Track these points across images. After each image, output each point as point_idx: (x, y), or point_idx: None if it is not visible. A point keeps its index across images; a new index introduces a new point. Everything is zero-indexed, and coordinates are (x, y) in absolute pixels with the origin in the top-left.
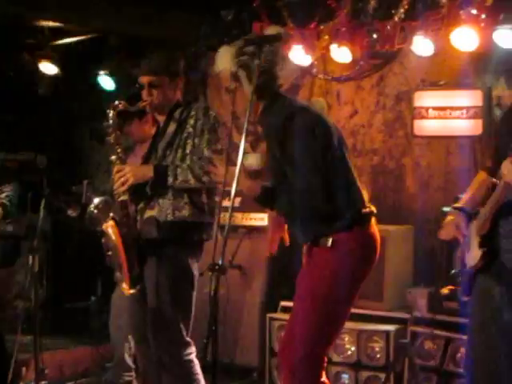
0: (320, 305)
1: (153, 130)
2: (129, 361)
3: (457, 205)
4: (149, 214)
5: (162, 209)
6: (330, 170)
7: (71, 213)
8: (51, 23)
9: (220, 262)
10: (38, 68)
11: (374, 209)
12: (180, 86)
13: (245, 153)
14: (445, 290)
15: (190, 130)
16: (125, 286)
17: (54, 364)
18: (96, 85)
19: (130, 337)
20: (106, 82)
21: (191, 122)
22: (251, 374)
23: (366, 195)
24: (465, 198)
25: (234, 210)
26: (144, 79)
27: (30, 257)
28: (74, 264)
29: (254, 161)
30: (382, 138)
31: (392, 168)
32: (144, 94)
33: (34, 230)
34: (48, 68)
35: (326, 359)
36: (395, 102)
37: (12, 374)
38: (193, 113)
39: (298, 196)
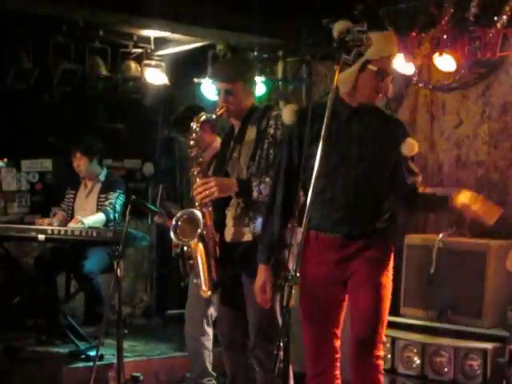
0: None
1: (212, 138)
2: (210, 368)
3: None
4: (240, 225)
5: (256, 221)
6: None
7: (157, 219)
8: (157, 32)
9: (293, 273)
10: (143, 77)
11: None
12: (253, 90)
13: None
14: None
15: (271, 139)
16: (204, 288)
17: (151, 370)
18: (199, 94)
19: (208, 343)
20: (209, 91)
21: (271, 131)
22: None
23: None
24: None
25: None
26: (220, 85)
27: (115, 262)
28: (178, 271)
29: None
30: (487, 150)
31: (496, 180)
32: (219, 100)
33: (132, 237)
34: (154, 77)
35: None
36: (501, 112)
37: (94, 378)
38: (271, 122)
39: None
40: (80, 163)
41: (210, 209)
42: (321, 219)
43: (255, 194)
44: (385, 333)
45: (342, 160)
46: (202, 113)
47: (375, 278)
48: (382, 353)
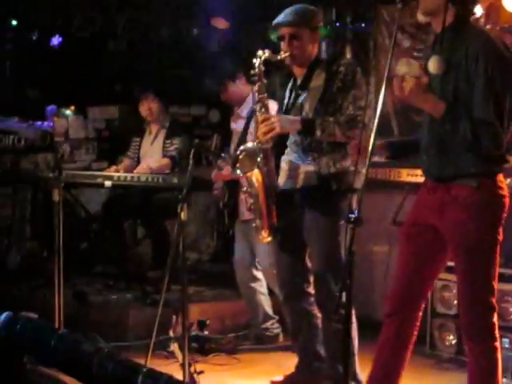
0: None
1: (247, 90)
2: (270, 312)
3: None
4: (305, 168)
5: (321, 162)
6: None
7: (220, 164)
8: None
9: (356, 214)
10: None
11: None
12: (318, 38)
13: None
14: None
15: (340, 84)
16: (263, 234)
17: (217, 315)
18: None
19: (262, 289)
20: (272, 36)
21: (340, 76)
22: None
23: None
24: None
25: (401, 166)
26: (285, 30)
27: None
28: None
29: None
30: None
31: None
32: (284, 45)
33: (199, 182)
34: (218, 23)
35: None
36: None
37: (159, 323)
38: (341, 68)
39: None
40: (152, 106)
41: (269, 147)
42: None
43: (318, 132)
44: None
45: None
46: (266, 50)
47: None
48: None
